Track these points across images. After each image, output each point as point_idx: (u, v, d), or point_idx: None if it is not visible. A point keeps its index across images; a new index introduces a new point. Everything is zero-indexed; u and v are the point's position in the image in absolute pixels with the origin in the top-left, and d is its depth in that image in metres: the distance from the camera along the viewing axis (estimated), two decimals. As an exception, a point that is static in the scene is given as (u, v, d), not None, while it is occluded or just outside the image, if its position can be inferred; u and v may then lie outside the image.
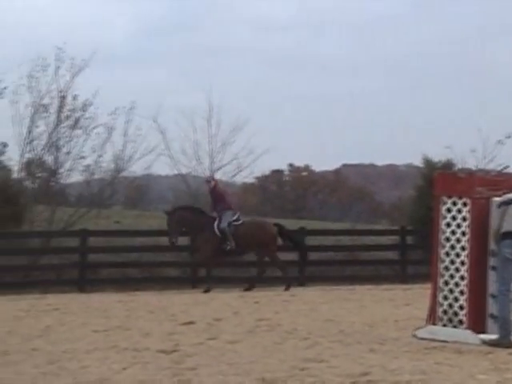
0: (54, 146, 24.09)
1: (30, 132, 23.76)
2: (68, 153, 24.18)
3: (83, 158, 24.49)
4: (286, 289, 17.87)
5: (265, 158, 28.08)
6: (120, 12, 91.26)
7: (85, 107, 24.11)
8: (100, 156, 24.34)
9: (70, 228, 22.30)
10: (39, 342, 10.19)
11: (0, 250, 20.37)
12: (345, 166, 53.17)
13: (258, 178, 42.97)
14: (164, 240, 20.07)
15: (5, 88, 23.14)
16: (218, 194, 18.79)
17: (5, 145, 24.06)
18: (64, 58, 23.54)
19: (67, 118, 24.11)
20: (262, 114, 64.25)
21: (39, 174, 25.63)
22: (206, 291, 17.71)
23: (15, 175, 25.27)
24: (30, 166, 25.22)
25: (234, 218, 18.53)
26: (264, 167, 39.73)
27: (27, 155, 24.37)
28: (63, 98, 23.97)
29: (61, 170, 24.65)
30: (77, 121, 24.10)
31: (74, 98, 24.15)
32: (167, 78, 72.68)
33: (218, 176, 25.59)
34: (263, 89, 74.63)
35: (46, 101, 23.85)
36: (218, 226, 18.24)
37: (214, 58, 71.39)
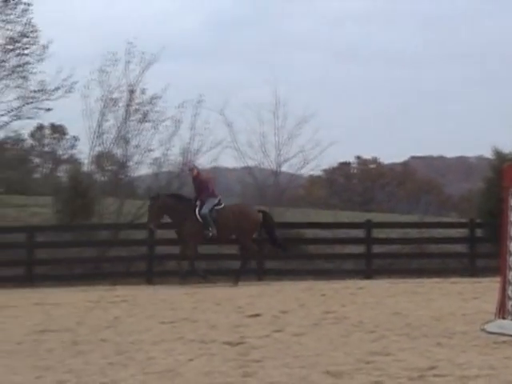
0: (122, 139, 24.31)
1: (99, 126, 24.01)
2: (137, 146, 24.37)
3: (151, 151, 24.66)
4: (234, 283, 17.80)
5: (332, 151, 28.04)
6: (191, 6, 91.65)
7: (153, 101, 24.32)
8: (168, 149, 24.49)
9: (138, 220, 22.45)
10: (108, 333, 10.33)
11: (70, 243, 20.72)
12: (413, 158, 52.73)
13: (325, 170, 42.88)
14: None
15: (76, 83, 23.45)
16: (200, 182, 18.66)
17: (76, 139, 24.48)
18: (134, 53, 23.77)
19: (136, 111, 24.31)
20: (330, 106, 63.98)
21: (108, 167, 25.95)
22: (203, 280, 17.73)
23: (85, 168, 25.68)
24: (99, 159, 25.55)
25: (216, 203, 18.36)
26: (331, 160, 39.65)
27: (97, 149, 24.65)
28: (132, 92, 24.18)
29: (129, 163, 24.86)
30: (145, 114, 24.29)
31: (143, 91, 24.38)
32: (235, 71, 72.79)
33: (284, 168, 25.69)
34: (331, 81, 74.48)
35: (115, 95, 24.08)
36: (200, 212, 18.14)
37: (281, 51, 71.46)
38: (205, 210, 18.11)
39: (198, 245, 18.45)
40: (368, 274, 19.43)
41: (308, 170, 27.79)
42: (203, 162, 25.03)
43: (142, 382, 7.30)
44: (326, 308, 12.75)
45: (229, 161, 39.00)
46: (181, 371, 7.69)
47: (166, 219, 18.86)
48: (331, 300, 14.15)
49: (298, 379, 7.34)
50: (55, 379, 7.42)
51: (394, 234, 21.98)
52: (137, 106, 24.28)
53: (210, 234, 18.14)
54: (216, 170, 30.11)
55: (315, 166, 27.24)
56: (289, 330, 10.38)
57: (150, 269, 19.70)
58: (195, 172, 18.87)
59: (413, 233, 22.25)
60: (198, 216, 18.10)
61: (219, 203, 18.48)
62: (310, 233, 21.93)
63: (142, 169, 25.48)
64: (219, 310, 12.82)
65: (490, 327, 10.13)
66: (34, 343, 9.49)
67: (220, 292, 15.89)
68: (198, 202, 18.30)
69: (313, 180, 41.58)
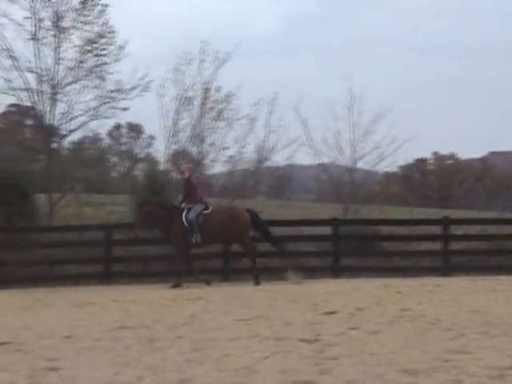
0: (198, 137, 24.52)
1: (175, 124, 24.29)
2: (211, 144, 24.58)
3: (226, 148, 24.86)
4: (256, 283, 17.56)
5: (408, 147, 27.76)
6: (266, 5, 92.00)
7: (228, 99, 24.48)
8: (243, 147, 24.60)
9: None
10: (184, 330, 10.40)
11: (147, 240, 20.93)
12: (492, 153, 51.92)
13: (401, 166, 42.50)
14: (305, 230, 20.18)
15: (152, 82, 23.72)
16: (190, 186, 18.47)
17: (152, 137, 24.72)
18: (208, 52, 23.97)
19: (211, 109, 24.51)
20: (405, 101, 63.56)
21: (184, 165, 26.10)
22: (175, 286, 17.41)
23: (161, 167, 25.97)
24: (175, 157, 25.78)
25: (203, 208, 18.16)
26: (407, 156, 39.29)
27: (172, 147, 24.95)
28: (207, 90, 24.39)
29: (205, 161, 25.07)
30: (220, 112, 24.47)
31: (218, 90, 24.56)
32: (309, 68, 72.79)
33: (359, 165, 25.54)
34: (406, 77, 73.86)
35: (190, 93, 24.36)
36: (186, 217, 17.96)
37: (357, 47, 71.05)
38: (191, 215, 17.97)
39: (185, 248, 18.18)
40: (445, 271, 19.17)
41: (384, 167, 27.67)
42: (278, 159, 25.12)
43: (218, 379, 7.33)
44: (402, 306, 12.61)
45: (304, 158, 38.92)
46: (256, 368, 7.70)
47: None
48: (407, 298, 13.99)
49: (374, 377, 7.28)
50: (133, 375, 7.50)
51: (472, 230, 21.67)
52: (211, 104, 24.49)
53: (194, 241, 18.00)
54: (291, 167, 30.15)
55: (391, 163, 27.13)
56: (365, 327, 10.30)
57: (225, 266, 19.85)
58: (186, 175, 18.61)
59: (491, 229, 21.88)
60: (184, 221, 17.98)
61: (207, 208, 18.32)
62: (385, 230, 21.75)
63: (216, 166, 25.68)
64: (294, 307, 12.78)
65: None
66: (112, 340, 9.61)
67: (295, 289, 15.85)
68: (184, 206, 18.20)
69: (388, 176, 41.32)
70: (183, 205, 18.18)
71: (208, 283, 17.73)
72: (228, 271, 19.76)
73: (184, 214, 17.93)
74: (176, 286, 17.39)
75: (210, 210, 18.22)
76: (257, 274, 17.89)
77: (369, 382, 7.10)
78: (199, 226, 17.85)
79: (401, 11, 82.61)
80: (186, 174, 18.56)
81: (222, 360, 8.23)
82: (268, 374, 7.44)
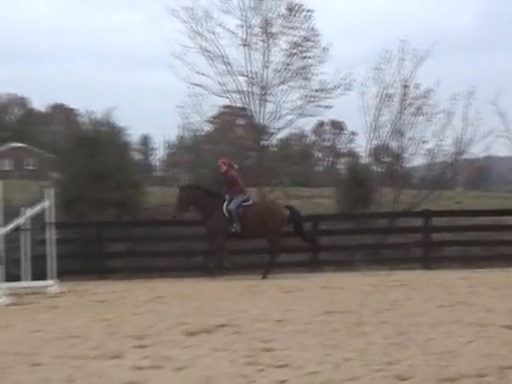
0: (397, 132, 24.34)
1: (375, 120, 24.21)
2: (411, 138, 24.33)
3: (425, 142, 24.54)
4: (264, 277, 17.10)
5: None
6: (464, 3, 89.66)
7: (427, 95, 24.21)
8: (441, 140, 24.20)
9: (413, 209, 22.41)
10: (388, 315, 10.32)
11: (351, 230, 21.01)
12: None
13: None
14: (505, 219, 19.55)
15: (354, 81, 23.80)
16: (231, 178, 17.86)
17: (354, 133, 24.82)
18: (407, 50, 23.74)
19: (410, 105, 24.29)
20: None
21: (385, 159, 26.06)
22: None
23: (363, 161, 26.04)
24: (376, 151, 25.76)
25: (244, 199, 17.68)
26: None
27: (373, 142, 24.90)
28: (406, 87, 24.18)
29: (404, 155, 24.87)
30: (419, 108, 24.21)
31: (417, 86, 24.31)
32: (507, 62, 70.12)
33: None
34: None
35: (390, 91, 24.21)
36: (227, 207, 17.46)
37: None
38: (232, 205, 17.57)
39: (224, 239, 17.81)
40: None
41: None
42: (476, 151, 24.51)
43: (424, 362, 7.22)
44: None
45: (501, 150, 37.56)
46: (460, 353, 7.53)
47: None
48: None
49: None
50: (342, 357, 7.53)
51: None
52: (411, 101, 24.27)
53: (233, 230, 17.56)
54: (489, 158, 29.28)
55: None
56: None
57: (426, 254, 19.53)
58: (224, 168, 18.12)
59: None
60: (224, 211, 17.59)
61: (247, 200, 17.90)
62: None
63: (416, 159, 25.42)
64: (496, 294, 12.39)
65: None
66: (320, 323, 9.69)
67: (497, 277, 15.39)
68: (226, 197, 17.81)
69: None
70: (226, 196, 17.91)
71: (229, 270, 17.72)
72: (429, 259, 19.43)
73: (225, 204, 17.68)
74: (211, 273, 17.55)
75: (250, 202, 18.00)
76: (268, 269, 17.63)
77: None
78: (239, 217, 17.61)
79: None
80: (224, 168, 18.20)
81: (425, 344, 8.11)
82: (472, 359, 7.26)
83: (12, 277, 15.28)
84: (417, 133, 24.19)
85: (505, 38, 69.27)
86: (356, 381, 6.56)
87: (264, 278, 17.26)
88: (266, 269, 17.70)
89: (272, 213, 17.95)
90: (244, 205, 17.81)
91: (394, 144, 24.85)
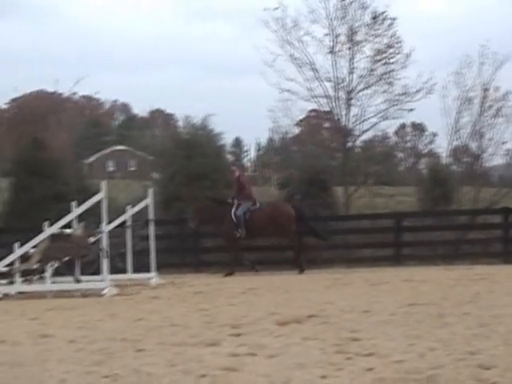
0: (477, 133, 24.08)
1: (456, 122, 23.99)
2: (490, 139, 24.05)
3: (505, 143, 24.28)
4: (300, 272, 16.82)
5: None
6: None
7: (506, 97, 23.98)
8: (520, 140, 23.93)
9: (493, 206, 22.07)
10: (469, 307, 10.15)
11: (432, 227, 20.74)
12: None
13: None
14: None
15: (435, 84, 23.61)
16: (240, 183, 17.63)
17: (434, 135, 24.63)
18: (487, 54, 23.45)
19: (490, 108, 24.01)
20: None
21: (464, 159, 25.75)
22: (228, 274, 16.94)
23: (444, 161, 25.81)
24: (456, 152, 25.50)
25: (251, 205, 17.46)
26: None
27: (454, 143, 24.70)
28: (486, 90, 23.87)
29: (484, 155, 24.58)
30: (498, 110, 23.94)
31: (496, 89, 24.01)
32: None
33: None
34: None
35: (470, 94, 23.93)
36: (235, 212, 17.21)
37: None
38: (240, 211, 17.40)
39: (232, 241, 17.63)
40: None
41: None
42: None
43: (506, 352, 7.07)
44: None
45: None
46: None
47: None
48: None
49: None
50: (425, 346, 7.45)
51: None
52: (490, 103, 23.99)
53: (238, 235, 17.42)
54: None
55: None
56: None
57: (505, 249, 19.20)
58: (236, 174, 18.10)
59: None
60: (233, 216, 17.38)
61: (254, 204, 17.64)
62: None
63: (495, 159, 25.11)
64: None
65: None
66: (404, 315, 9.59)
67: None
68: (235, 202, 17.62)
69: None
70: (235, 201, 17.74)
71: (256, 271, 17.47)
72: (508, 254, 19.00)
73: (233, 210, 17.53)
74: (229, 274, 17.12)
75: (257, 205, 17.75)
76: (300, 263, 17.33)
77: None
78: (246, 221, 17.42)
79: None
80: (237, 173, 18.20)
81: (507, 335, 7.93)
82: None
83: (117, 270, 15.62)
84: (496, 134, 23.92)
85: None
86: (440, 369, 6.46)
87: (300, 272, 17.13)
88: (298, 264, 17.51)
89: (279, 211, 17.89)
90: (251, 209, 17.78)
91: (473, 145, 24.61)
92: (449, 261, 18.24)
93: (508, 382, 6.01)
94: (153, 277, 15.94)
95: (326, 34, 23.53)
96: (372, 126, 24.47)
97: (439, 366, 6.52)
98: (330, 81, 23.72)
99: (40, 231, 14.49)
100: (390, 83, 23.73)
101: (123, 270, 15.97)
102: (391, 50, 23.65)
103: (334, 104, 23.99)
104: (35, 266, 14.43)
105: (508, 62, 23.70)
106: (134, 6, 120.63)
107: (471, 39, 51.73)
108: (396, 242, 19.58)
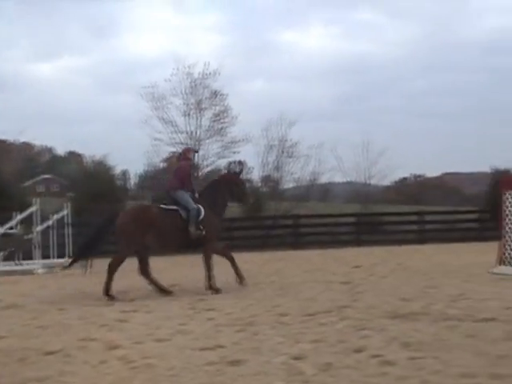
0: (277, 167, 23.93)
1: (264, 160, 24.10)
2: (286, 171, 24.08)
3: (293, 173, 24.24)
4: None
5: None
6: None
7: (294, 145, 23.82)
8: None
9: (287, 213, 21.77)
10: (274, 277, 10.12)
11: (248, 226, 20.11)
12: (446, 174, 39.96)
13: None
14: None
15: (252, 136, 23.62)
16: None
17: (251, 168, 24.25)
18: (285, 118, 23.56)
19: (284, 151, 24.20)
20: None
21: (269, 184, 25.31)
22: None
23: (257, 185, 25.69)
24: (264, 179, 24.99)
25: None
26: None
27: (263, 173, 24.72)
28: (283, 140, 23.87)
29: (281, 181, 24.46)
30: (290, 153, 23.93)
31: (290, 140, 23.89)
32: None
33: None
34: None
35: (273, 143, 23.90)
36: None
37: None
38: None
39: None
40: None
41: None
42: None
43: (296, 305, 7.11)
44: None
45: None
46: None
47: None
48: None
49: (383, 302, 7.07)
50: (246, 303, 7.35)
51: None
52: (285, 148, 24.16)
53: None
54: None
55: None
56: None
57: (296, 241, 18.57)
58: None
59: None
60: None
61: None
62: None
63: (288, 184, 24.97)
64: None
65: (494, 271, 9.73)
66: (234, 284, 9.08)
67: None
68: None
69: None
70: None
71: None
72: (297, 243, 18.44)
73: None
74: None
75: None
76: None
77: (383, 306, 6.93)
78: None
79: None
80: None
81: (297, 295, 7.96)
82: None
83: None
84: (290, 167, 23.84)
85: None
86: (256, 317, 6.39)
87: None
88: None
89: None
90: None
91: (275, 174, 24.28)
92: (260, 249, 17.98)
93: (295, 322, 6.13)
94: (69, 261, 15.18)
95: (183, 103, 23.69)
96: (212, 163, 24.63)
97: (255, 316, 6.58)
98: (185, 133, 23.86)
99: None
100: (223, 135, 24.01)
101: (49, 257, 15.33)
102: (224, 114, 23.91)
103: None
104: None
105: (297, 123, 23.99)
106: None
107: (275, 108, 51.57)
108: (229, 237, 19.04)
